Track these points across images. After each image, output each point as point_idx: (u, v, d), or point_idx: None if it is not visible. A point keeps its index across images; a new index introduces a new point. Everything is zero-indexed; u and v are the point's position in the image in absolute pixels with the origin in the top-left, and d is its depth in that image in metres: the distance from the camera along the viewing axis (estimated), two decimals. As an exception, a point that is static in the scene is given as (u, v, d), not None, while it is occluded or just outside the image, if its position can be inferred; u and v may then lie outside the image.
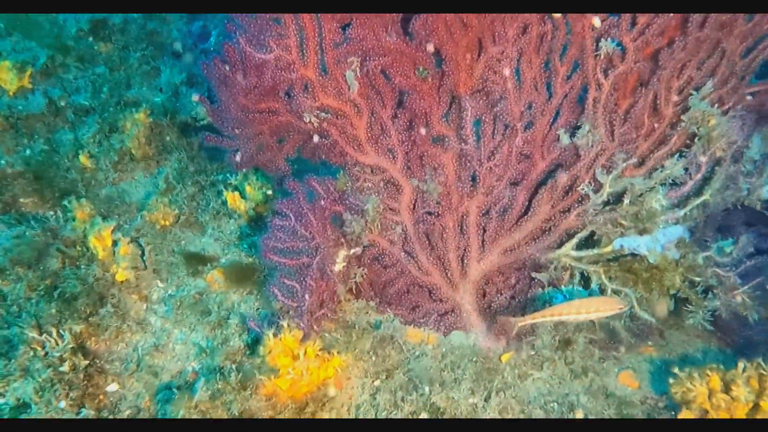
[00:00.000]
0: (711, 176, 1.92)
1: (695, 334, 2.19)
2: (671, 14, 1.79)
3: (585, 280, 2.01)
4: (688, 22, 1.80)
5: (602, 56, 1.84)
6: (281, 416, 1.57)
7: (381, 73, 1.91)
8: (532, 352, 1.96)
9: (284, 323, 1.61)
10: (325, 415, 1.62)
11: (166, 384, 1.80)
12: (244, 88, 1.88)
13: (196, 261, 2.19)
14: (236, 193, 2.38)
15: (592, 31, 1.84)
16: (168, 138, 2.58)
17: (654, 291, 1.98)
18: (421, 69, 1.92)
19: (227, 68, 1.86)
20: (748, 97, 1.98)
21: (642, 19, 1.79)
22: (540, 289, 2.01)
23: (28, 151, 2.43)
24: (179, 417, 1.51)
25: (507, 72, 1.94)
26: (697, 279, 1.95)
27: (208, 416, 1.51)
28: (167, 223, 2.31)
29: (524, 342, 1.98)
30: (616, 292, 1.96)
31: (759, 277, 1.95)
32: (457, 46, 1.90)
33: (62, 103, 2.58)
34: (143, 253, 2.15)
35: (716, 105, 1.93)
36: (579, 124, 1.94)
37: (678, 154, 1.93)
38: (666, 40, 1.90)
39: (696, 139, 1.90)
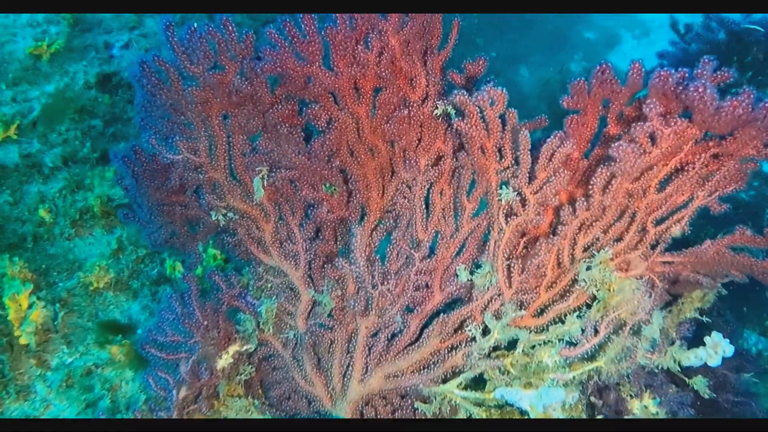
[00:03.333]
0: (608, 343, 1.83)
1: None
2: (567, 176, 1.74)
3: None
4: (589, 185, 1.75)
5: (503, 203, 1.81)
6: None
7: (290, 183, 1.96)
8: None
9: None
10: None
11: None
12: (154, 185, 1.97)
13: (111, 329, 2.28)
14: (178, 263, 2.47)
15: (497, 175, 1.81)
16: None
17: (531, 448, 1.90)
18: (327, 185, 1.95)
19: (137, 167, 1.96)
20: (662, 266, 1.89)
21: (541, 174, 1.75)
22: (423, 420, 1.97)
23: (-10, 203, 2.60)
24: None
25: (417, 197, 1.94)
26: (575, 446, 1.86)
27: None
28: (100, 285, 2.43)
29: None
30: (495, 441, 1.90)
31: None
32: (364, 168, 1.92)
33: (40, 156, 2.76)
34: (56, 318, 2.26)
35: (624, 270, 1.86)
36: (481, 263, 1.91)
37: (578, 312, 1.86)
38: (566, 198, 1.86)
39: (594, 302, 1.82)
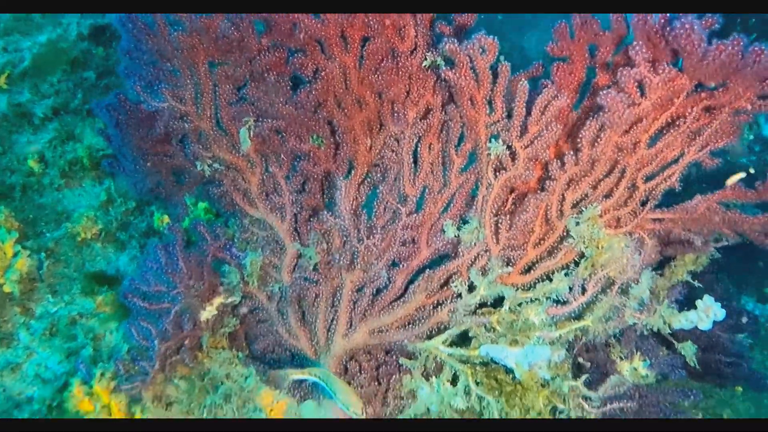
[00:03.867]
0: (596, 301, 1.81)
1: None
2: (559, 130, 1.69)
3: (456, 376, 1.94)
4: (578, 138, 1.71)
5: (492, 157, 1.77)
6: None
7: (276, 134, 1.92)
8: (379, 440, 1.91)
9: (98, 372, 1.66)
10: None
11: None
12: (139, 134, 1.94)
13: (98, 280, 2.26)
14: (165, 216, 2.45)
15: (487, 129, 1.77)
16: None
17: (515, 408, 1.89)
18: (315, 136, 1.91)
19: (121, 116, 1.92)
20: (652, 223, 1.85)
21: (533, 128, 1.71)
22: (408, 376, 1.96)
23: (-23, 152, 2.57)
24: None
25: (405, 151, 1.91)
26: (561, 407, 1.85)
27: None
28: (88, 236, 2.41)
29: (374, 428, 1.93)
30: (480, 398, 1.89)
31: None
32: (351, 120, 1.88)
33: (30, 106, 2.72)
34: (42, 267, 2.25)
35: (614, 227, 1.83)
36: (468, 219, 1.88)
37: (566, 270, 1.83)
38: (554, 152, 1.82)
39: (582, 260, 1.79)
